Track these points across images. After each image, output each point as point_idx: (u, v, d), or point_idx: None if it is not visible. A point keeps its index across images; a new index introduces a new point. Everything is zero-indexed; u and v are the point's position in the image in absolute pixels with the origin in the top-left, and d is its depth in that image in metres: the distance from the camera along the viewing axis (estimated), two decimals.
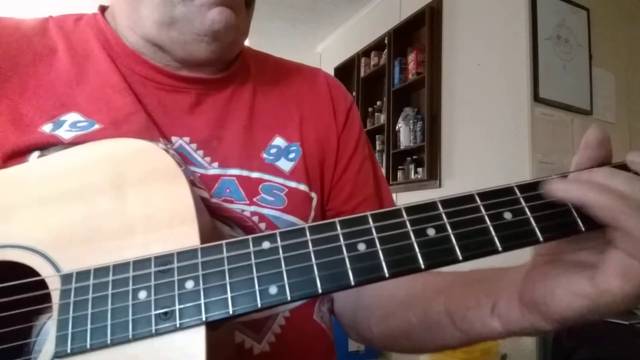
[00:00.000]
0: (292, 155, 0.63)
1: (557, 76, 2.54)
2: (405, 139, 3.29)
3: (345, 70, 4.26)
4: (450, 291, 0.50)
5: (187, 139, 0.59)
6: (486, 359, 2.41)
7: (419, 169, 3.16)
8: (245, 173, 0.59)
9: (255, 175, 0.60)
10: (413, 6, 3.34)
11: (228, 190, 0.58)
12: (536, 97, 2.47)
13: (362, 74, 4.02)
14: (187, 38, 0.58)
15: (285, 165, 0.62)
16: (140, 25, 0.59)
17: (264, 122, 0.64)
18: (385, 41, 3.61)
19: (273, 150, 0.63)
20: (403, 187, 3.31)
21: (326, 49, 4.84)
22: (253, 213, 0.57)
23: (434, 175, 3.04)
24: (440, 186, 3.01)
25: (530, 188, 0.39)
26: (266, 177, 0.60)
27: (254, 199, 0.58)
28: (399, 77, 3.41)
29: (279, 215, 0.58)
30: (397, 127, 3.37)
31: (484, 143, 2.70)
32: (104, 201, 0.42)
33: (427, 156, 3.06)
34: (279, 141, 0.64)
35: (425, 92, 3.13)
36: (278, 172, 0.61)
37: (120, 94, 0.58)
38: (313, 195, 0.63)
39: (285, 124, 0.66)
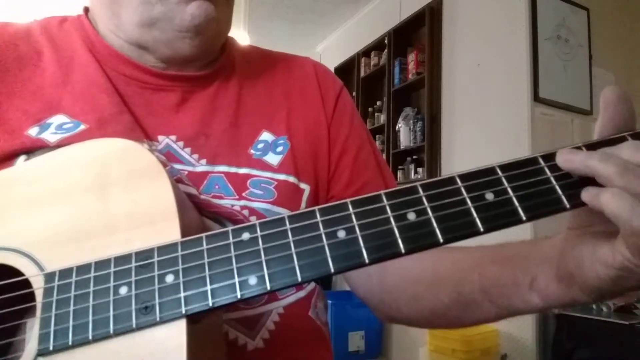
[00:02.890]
0: (279, 149, 0.63)
1: (557, 76, 2.54)
2: (405, 139, 3.29)
3: (345, 70, 4.26)
4: (482, 269, 0.50)
5: (173, 137, 0.59)
6: (486, 359, 2.41)
7: (419, 169, 3.17)
8: (233, 170, 0.60)
9: (243, 171, 0.60)
10: (413, 6, 3.35)
11: (217, 187, 0.58)
12: (536, 97, 2.47)
13: (362, 74, 4.02)
14: (170, 36, 0.58)
15: (273, 159, 0.62)
16: (122, 29, 0.60)
17: (250, 117, 0.64)
18: (385, 41, 3.62)
19: (260, 146, 0.63)
20: None
21: (326, 49, 4.84)
22: (243, 207, 0.58)
23: (434, 175, 3.03)
24: None
25: (513, 167, 0.39)
26: (254, 172, 0.60)
27: (243, 194, 0.58)
28: (399, 77, 3.41)
29: (269, 208, 0.59)
30: (397, 127, 3.37)
31: (484, 143, 2.70)
32: (88, 201, 0.43)
33: (427, 156, 3.06)
34: (266, 136, 0.64)
35: (425, 92, 3.13)
36: (266, 167, 0.61)
37: (106, 93, 0.58)
38: (304, 186, 0.63)
39: (272, 118, 0.66)
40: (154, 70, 0.61)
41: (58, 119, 0.55)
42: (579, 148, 0.39)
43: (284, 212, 0.59)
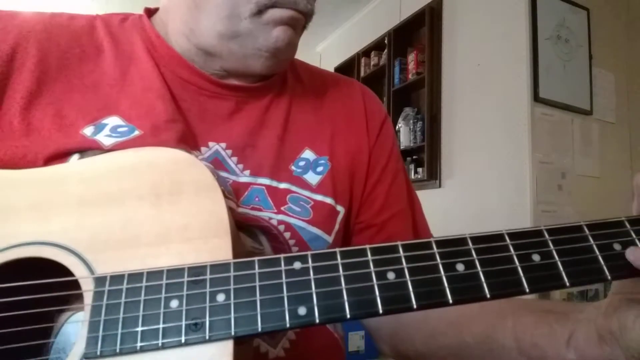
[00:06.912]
0: (320, 169, 0.64)
1: (557, 76, 2.55)
2: (405, 139, 3.29)
3: (345, 70, 4.24)
4: (518, 317, 0.50)
5: (223, 144, 0.60)
6: None
7: (419, 169, 3.17)
8: (274, 183, 0.60)
9: (283, 186, 0.60)
10: (413, 6, 3.35)
11: (257, 199, 0.58)
12: (536, 97, 2.47)
13: (362, 74, 4.01)
14: (248, 52, 0.59)
15: (312, 178, 0.63)
16: (197, 34, 0.59)
17: (296, 134, 0.65)
18: (385, 41, 3.62)
19: (302, 163, 0.63)
20: None
21: (326, 49, 4.83)
22: (280, 222, 0.58)
23: (434, 175, 3.04)
24: (440, 186, 3.02)
25: (559, 232, 0.40)
26: (294, 188, 0.61)
27: (282, 208, 0.59)
28: (399, 77, 3.41)
29: (304, 226, 0.59)
30: (397, 127, 3.37)
31: (484, 143, 2.71)
32: (142, 208, 0.43)
33: (427, 156, 3.06)
34: (308, 154, 0.64)
35: (425, 92, 3.13)
36: (305, 185, 0.62)
37: (162, 99, 0.58)
38: (339, 209, 0.64)
39: (315, 137, 0.66)
40: (212, 78, 0.61)
41: (113, 121, 0.55)
42: (620, 222, 0.40)
43: (318, 232, 0.60)
